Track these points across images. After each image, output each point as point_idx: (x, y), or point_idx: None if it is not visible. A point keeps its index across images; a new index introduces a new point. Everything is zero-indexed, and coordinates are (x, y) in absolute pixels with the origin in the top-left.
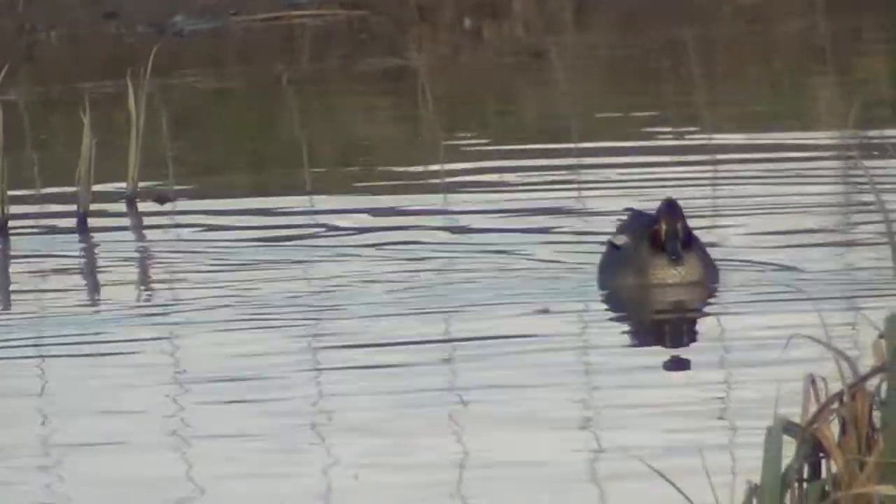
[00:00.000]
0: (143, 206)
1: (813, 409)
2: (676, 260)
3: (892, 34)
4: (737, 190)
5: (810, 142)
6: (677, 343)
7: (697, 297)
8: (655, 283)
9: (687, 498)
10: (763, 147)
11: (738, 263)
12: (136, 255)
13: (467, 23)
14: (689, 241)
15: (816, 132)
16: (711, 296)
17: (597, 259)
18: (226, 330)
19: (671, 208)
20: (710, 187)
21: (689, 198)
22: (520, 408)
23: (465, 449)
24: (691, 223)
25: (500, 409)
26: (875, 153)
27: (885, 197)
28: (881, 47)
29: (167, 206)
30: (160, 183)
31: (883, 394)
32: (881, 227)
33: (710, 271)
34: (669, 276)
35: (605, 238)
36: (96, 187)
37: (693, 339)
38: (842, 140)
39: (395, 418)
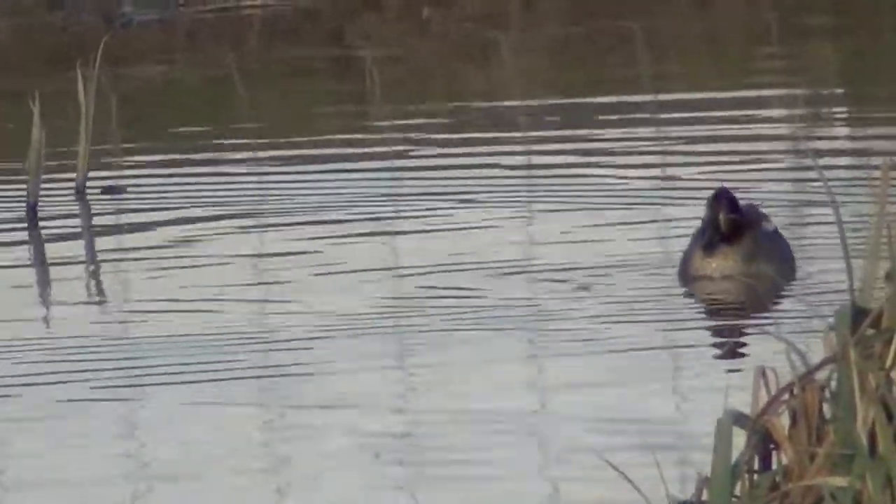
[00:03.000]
0: (93, 198)
1: (763, 400)
2: (706, 251)
3: (840, 20)
4: (684, 184)
5: (759, 130)
6: (644, 334)
7: (719, 291)
8: (691, 275)
9: (637, 489)
10: (712, 137)
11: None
12: (86, 247)
13: (426, 12)
14: (738, 232)
15: (765, 124)
16: (741, 292)
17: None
18: (179, 328)
19: (715, 198)
20: (658, 177)
21: (636, 189)
22: (469, 391)
23: (414, 421)
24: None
25: (449, 385)
26: (823, 141)
27: (833, 185)
28: (829, 33)
29: (117, 198)
30: (111, 174)
31: (833, 386)
32: (831, 219)
33: (765, 266)
34: (702, 269)
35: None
36: (46, 179)
37: (657, 330)
38: (791, 130)
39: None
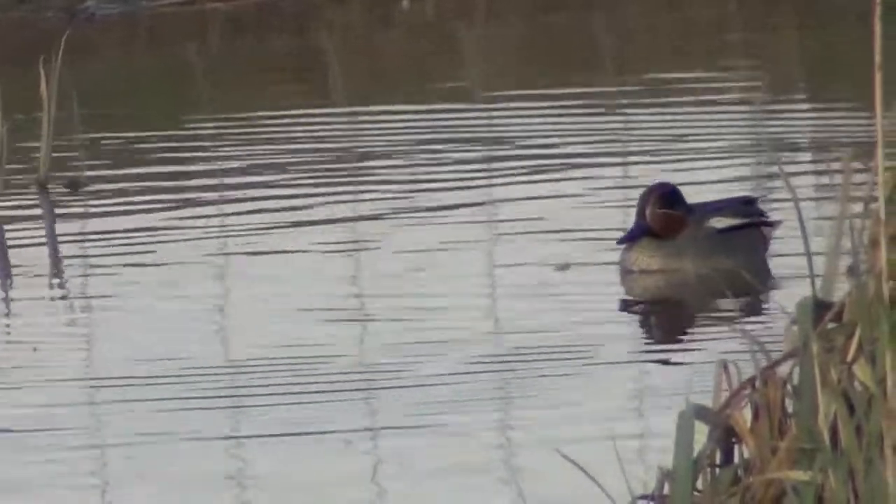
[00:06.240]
0: (55, 191)
1: (725, 394)
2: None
3: (805, 20)
4: (647, 180)
5: (721, 121)
6: (594, 329)
7: (642, 285)
8: (623, 269)
9: (598, 484)
10: (674, 128)
11: None
12: (48, 241)
13: (405, 4)
14: (677, 228)
15: (726, 117)
16: (663, 286)
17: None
18: (138, 325)
19: (646, 192)
20: (620, 167)
21: (600, 177)
22: (432, 393)
23: (374, 438)
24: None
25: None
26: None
27: (792, 178)
28: (793, 33)
29: (79, 192)
30: (73, 167)
31: (795, 379)
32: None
33: (691, 263)
34: (625, 262)
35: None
36: (7, 172)
37: (611, 325)
38: (753, 121)
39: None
